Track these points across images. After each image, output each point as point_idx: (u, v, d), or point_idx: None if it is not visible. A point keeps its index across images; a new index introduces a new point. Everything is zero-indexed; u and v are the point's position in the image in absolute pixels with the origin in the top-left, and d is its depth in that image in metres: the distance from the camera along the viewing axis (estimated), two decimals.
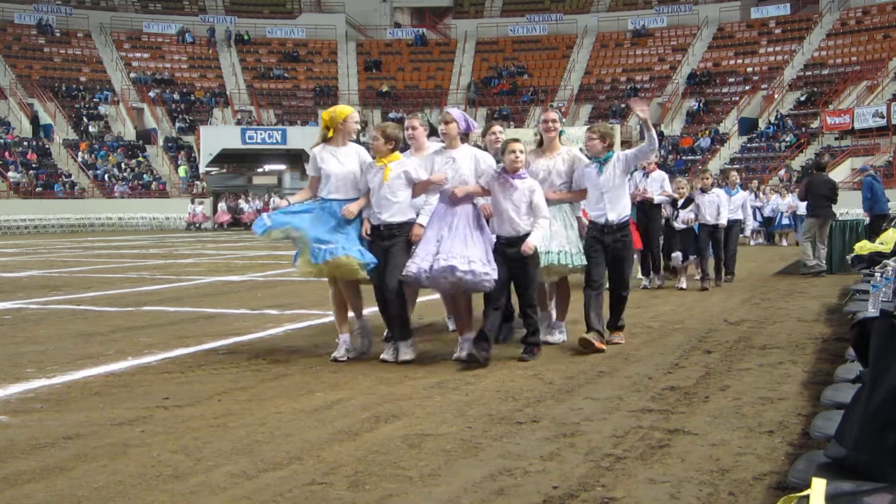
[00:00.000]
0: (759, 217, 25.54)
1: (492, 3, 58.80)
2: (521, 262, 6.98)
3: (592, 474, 4.14)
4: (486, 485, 4.01)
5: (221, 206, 43.10)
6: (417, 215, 7.17)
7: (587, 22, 54.99)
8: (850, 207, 25.41)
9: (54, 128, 45.68)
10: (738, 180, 14.84)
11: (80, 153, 44.86)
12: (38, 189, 41.59)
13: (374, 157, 7.24)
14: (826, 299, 11.09)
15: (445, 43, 57.36)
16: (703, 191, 12.71)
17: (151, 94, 50.39)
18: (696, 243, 12.63)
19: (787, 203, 25.01)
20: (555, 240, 7.54)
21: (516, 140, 7.16)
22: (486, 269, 6.85)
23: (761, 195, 26.43)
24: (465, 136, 7.39)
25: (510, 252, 7.02)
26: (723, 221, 12.85)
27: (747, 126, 44.29)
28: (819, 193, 14.65)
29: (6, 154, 42.61)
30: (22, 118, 45.79)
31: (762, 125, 44.48)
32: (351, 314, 7.44)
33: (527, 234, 7.01)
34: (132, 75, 51.52)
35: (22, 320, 9.77)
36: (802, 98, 44.59)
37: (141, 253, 23.29)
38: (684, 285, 12.49)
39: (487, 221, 7.27)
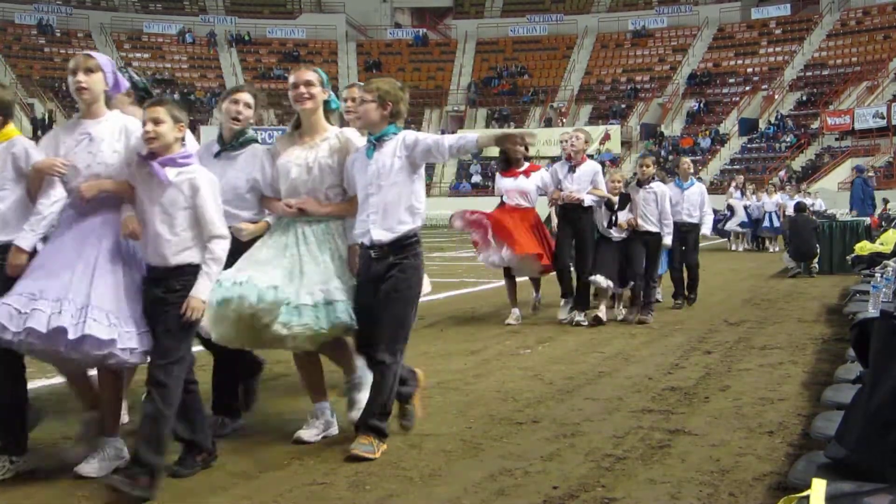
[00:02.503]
0: (745, 217, 22.27)
1: (492, 3, 58.80)
2: (168, 315, 4.06)
3: (593, 475, 4.15)
4: (486, 485, 4.02)
5: None
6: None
7: (587, 22, 54.97)
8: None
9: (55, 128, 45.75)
10: (692, 169, 11.06)
11: None
12: None
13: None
14: (826, 300, 11.10)
15: (446, 43, 57.37)
16: (641, 184, 9.52)
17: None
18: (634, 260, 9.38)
19: (775, 201, 21.48)
20: (304, 281, 4.58)
21: (159, 103, 4.25)
22: (112, 332, 3.98)
23: (749, 193, 22.70)
24: (109, 99, 4.50)
25: (153, 294, 4.13)
26: (659, 227, 9.44)
27: (747, 126, 44.29)
28: (802, 235, 14.60)
29: None
30: (22, 118, 45.82)
31: (762, 126, 44.48)
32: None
33: (183, 269, 4.12)
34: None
35: None
36: (803, 98, 44.61)
37: None
38: (621, 315, 9.50)
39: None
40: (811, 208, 23.03)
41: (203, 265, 4.11)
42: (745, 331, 8.64)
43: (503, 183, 9.36)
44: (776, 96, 45.55)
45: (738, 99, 46.74)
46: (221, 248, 4.16)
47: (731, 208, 22.26)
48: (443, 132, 50.40)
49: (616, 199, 9.20)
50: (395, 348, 4.56)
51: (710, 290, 12.47)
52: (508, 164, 9.32)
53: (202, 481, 4.07)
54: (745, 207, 22.08)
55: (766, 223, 21.63)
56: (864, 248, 12.25)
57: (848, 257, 12.75)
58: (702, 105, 47.35)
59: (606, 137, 45.97)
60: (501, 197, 9.41)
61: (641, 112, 48.05)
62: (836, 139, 40.56)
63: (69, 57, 43.44)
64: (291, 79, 5.11)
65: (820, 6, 50.07)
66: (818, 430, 3.96)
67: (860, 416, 3.37)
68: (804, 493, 3.01)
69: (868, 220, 17.13)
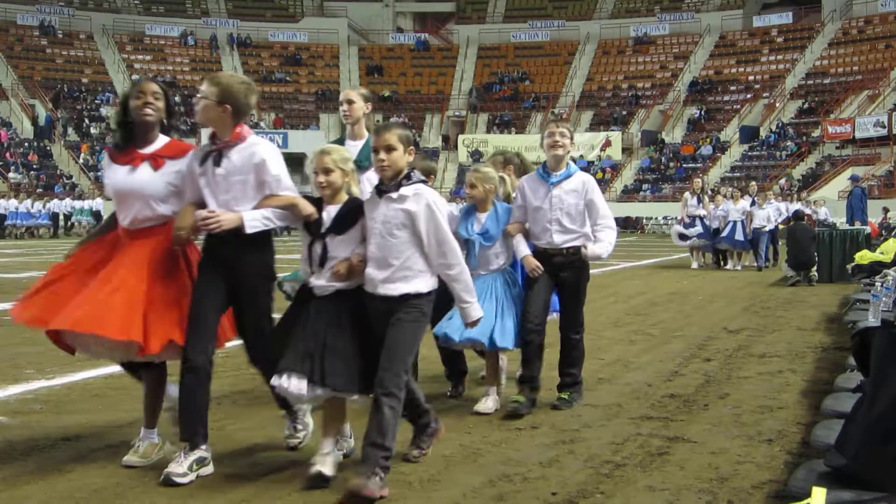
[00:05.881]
0: (700, 227, 17.94)
1: (494, 8, 58.91)
2: None
3: (591, 481, 4.14)
4: (485, 491, 4.01)
5: None
6: None
7: (589, 29, 55.08)
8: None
9: (55, 129, 45.74)
10: (569, 148, 5.81)
11: (81, 155, 44.93)
12: (39, 190, 41.62)
13: None
14: (826, 308, 11.09)
15: (447, 48, 57.46)
16: (384, 189, 4.34)
17: None
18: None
19: (740, 208, 17.48)
20: None
21: None
22: None
23: (706, 199, 18.46)
24: None
25: None
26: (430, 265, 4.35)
27: (748, 134, 44.37)
28: (801, 244, 14.63)
29: (7, 155, 42.66)
30: (24, 119, 45.82)
31: (763, 133, 44.56)
32: None
33: None
34: (134, 77, 51.54)
35: None
36: (804, 107, 44.66)
37: None
38: (323, 464, 4.16)
39: None
40: (814, 217, 22.61)
41: None
42: (744, 338, 8.63)
43: (112, 175, 4.56)
44: (777, 104, 45.63)
45: (739, 106, 46.82)
46: None
47: (690, 218, 18.23)
48: (444, 137, 50.58)
49: (330, 210, 4.38)
50: None
51: (709, 298, 12.47)
52: (128, 136, 4.58)
53: (200, 486, 4.06)
54: (702, 218, 17.93)
55: (729, 234, 17.54)
56: (864, 257, 12.24)
57: (848, 266, 12.75)
58: (703, 112, 47.43)
59: (607, 144, 46.04)
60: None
61: (642, 119, 48.12)
62: (837, 148, 40.61)
63: (71, 58, 43.30)
64: None
65: (822, 14, 50.19)
66: (818, 438, 3.95)
67: (860, 425, 3.37)
68: (804, 502, 3.01)
69: (868, 228, 17.12)
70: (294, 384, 4.13)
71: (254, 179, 4.36)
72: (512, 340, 5.56)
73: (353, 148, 5.58)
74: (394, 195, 4.27)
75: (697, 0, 55.30)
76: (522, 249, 5.72)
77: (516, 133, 49.28)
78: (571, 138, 5.82)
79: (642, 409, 5.58)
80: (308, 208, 4.37)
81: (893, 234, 16.45)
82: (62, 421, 5.24)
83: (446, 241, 4.29)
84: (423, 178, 4.40)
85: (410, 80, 54.82)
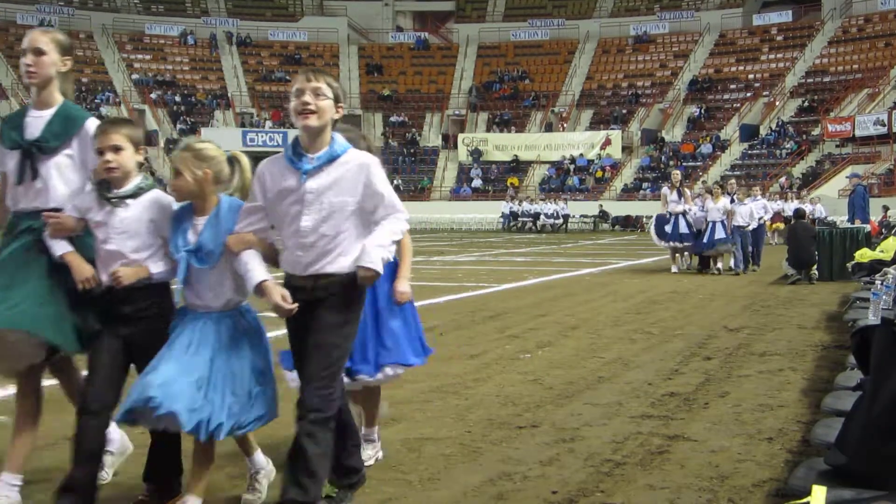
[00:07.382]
0: (683, 227, 16.19)
1: (494, 7, 58.90)
2: None
3: (592, 480, 4.14)
4: (485, 489, 4.01)
5: None
6: None
7: (589, 27, 55.06)
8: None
9: None
10: (329, 104, 3.42)
11: None
12: None
13: None
14: (826, 307, 11.09)
15: (447, 47, 57.46)
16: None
17: (153, 95, 50.48)
18: None
19: (720, 207, 15.90)
20: None
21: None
22: None
23: (687, 193, 16.72)
24: None
25: None
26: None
27: (748, 133, 44.37)
28: (802, 243, 14.65)
29: None
30: None
31: (763, 132, 44.56)
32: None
33: None
34: (134, 77, 51.62)
35: None
36: (804, 105, 44.66)
37: None
38: None
39: None
40: (810, 215, 22.49)
41: None
42: (744, 337, 8.63)
43: None
44: (777, 103, 45.63)
45: (739, 105, 46.82)
46: None
47: (670, 215, 16.43)
48: (444, 136, 50.55)
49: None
50: None
51: (709, 296, 12.46)
52: None
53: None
54: (684, 215, 16.12)
55: (709, 237, 15.83)
56: (864, 255, 12.23)
57: (848, 264, 12.74)
58: (703, 111, 47.43)
59: (607, 142, 46.05)
60: None
61: (642, 117, 48.13)
62: (837, 146, 40.61)
63: (70, 58, 43.94)
64: None
65: (821, 13, 50.19)
66: (818, 436, 3.96)
67: (860, 423, 3.37)
68: (804, 500, 3.01)
69: (868, 227, 17.10)
70: None
71: None
72: (264, 411, 3.95)
73: (37, 120, 3.88)
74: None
75: None
76: (255, 275, 3.50)
77: (516, 132, 49.29)
78: (338, 98, 3.51)
79: (642, 408, 5.59)
80: None
81: (893, 232, 16.44)
82: (64, 420, 5.22)
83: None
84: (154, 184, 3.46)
85: (410, 79, 54.82)
